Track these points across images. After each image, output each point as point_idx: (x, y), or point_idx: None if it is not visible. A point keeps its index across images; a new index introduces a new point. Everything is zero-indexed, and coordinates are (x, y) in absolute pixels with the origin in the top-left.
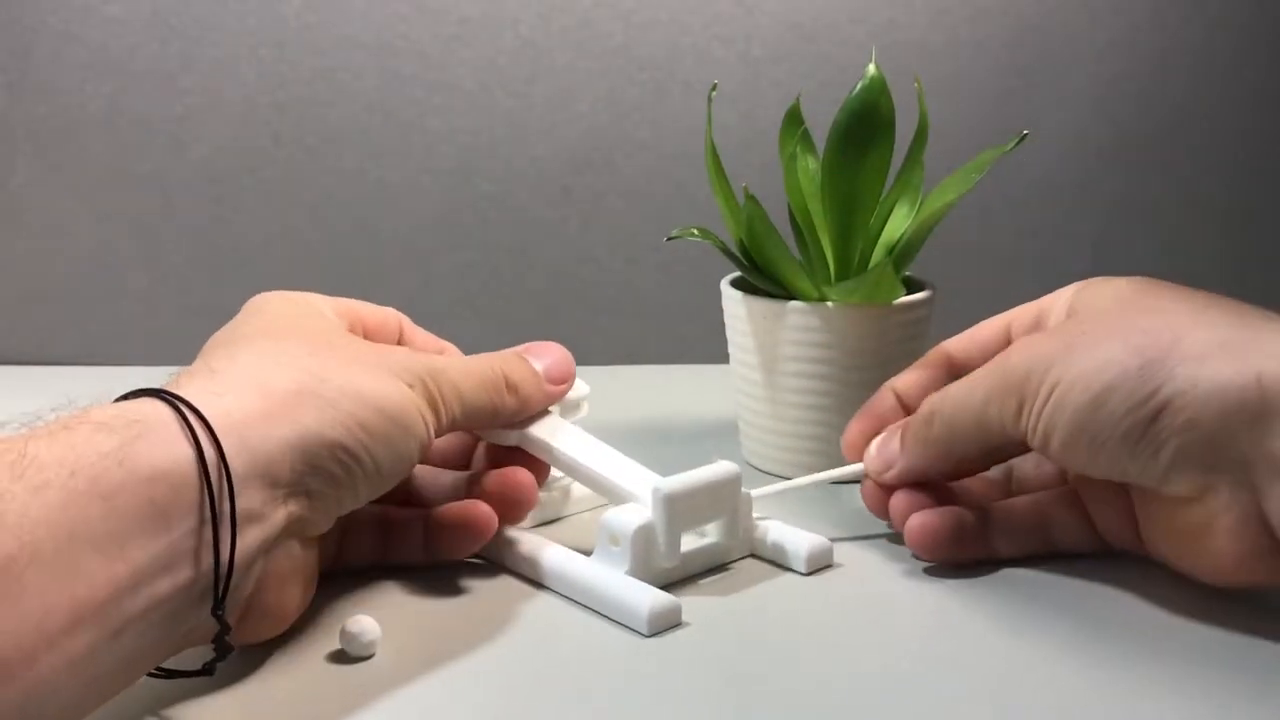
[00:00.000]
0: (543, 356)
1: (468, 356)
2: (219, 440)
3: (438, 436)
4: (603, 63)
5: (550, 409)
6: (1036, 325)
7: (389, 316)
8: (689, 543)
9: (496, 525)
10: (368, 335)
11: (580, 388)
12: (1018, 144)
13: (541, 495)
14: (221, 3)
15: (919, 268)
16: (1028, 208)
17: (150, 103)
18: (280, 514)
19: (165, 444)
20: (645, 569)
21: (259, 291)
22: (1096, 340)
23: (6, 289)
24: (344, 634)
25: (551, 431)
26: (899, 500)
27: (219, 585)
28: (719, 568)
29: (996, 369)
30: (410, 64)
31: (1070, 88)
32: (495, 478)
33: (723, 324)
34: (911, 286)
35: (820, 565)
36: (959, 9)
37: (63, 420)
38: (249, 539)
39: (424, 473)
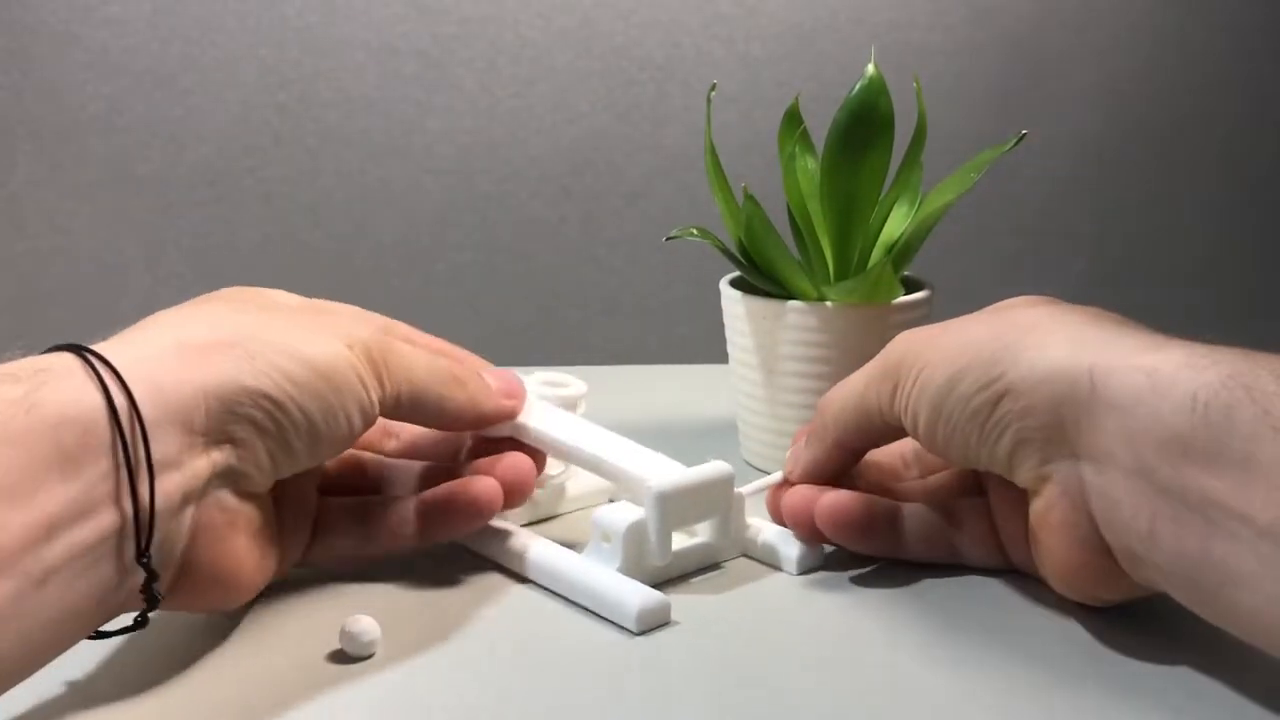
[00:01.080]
0: (491, 373)
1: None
2: (128, 386)
3: (384, 409)
4: (603, 63)
5: (543, 401)
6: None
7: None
8: (681, 541)
9: (501, 502)
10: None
11: (577, 386)
12: (1016, 144)
13: (536, 493)
14: (222, 4)
15: (918, 267)
16: (1026, 207)
17: (151, 103)
18: (202, 462)
19: (73, 390)
20: (636, 567)
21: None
22: (962, 328)
23: (6, 288)
24: (344, 634)
25: (544, 418)
26: (793, 493)
27: (140, 532)
28: (711, 567)
29: (878, 357)
30: (410, 64)
31: (1069, 88)
32: (493, 461)
33: (722, 324)
34: (910, 286)
35: (811, 566)
36: (958, 10)
37: None
38: (168, 485)
39: (402, 464)
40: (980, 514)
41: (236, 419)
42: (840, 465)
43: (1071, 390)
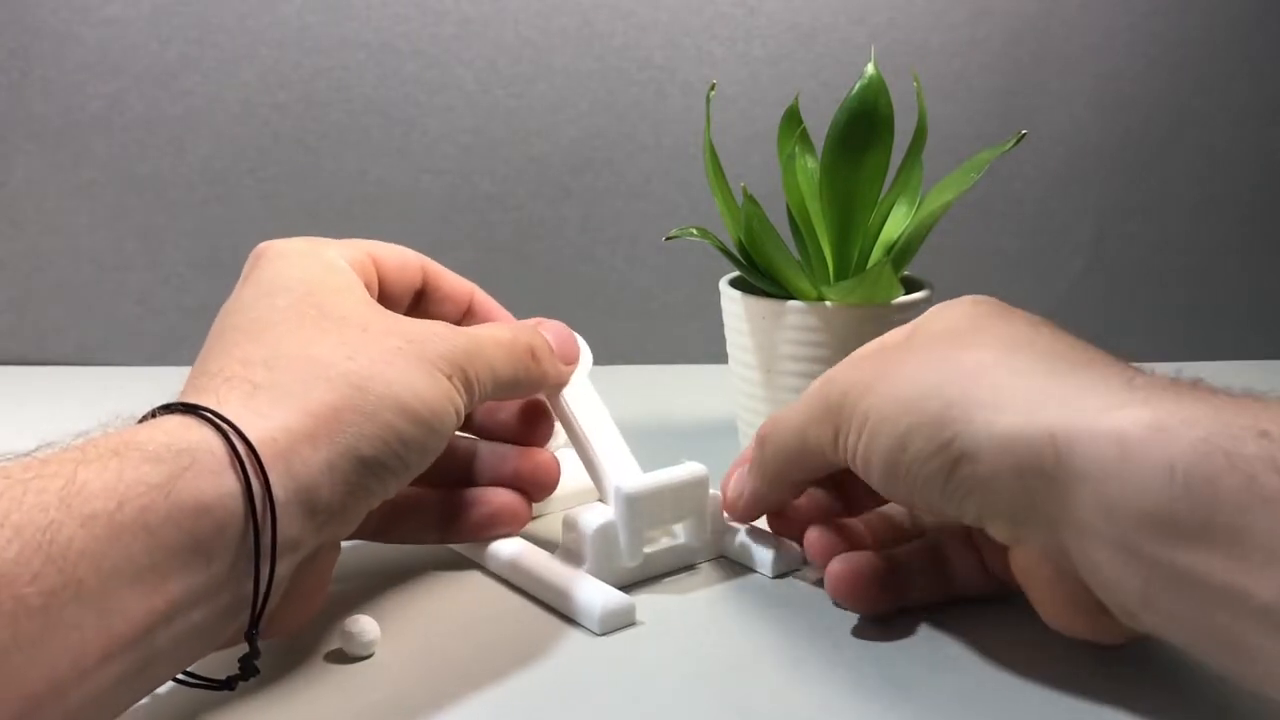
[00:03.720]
0: (551, 335)
1: (489, 326)
2: (265, 471)
3: (468, 410)
4: (602, 63)
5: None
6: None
7: (408, 261)
8: (655, 543)
9: (529, 516)
10: (386, 282)
11: (585, 360)
12: (1016, 143)
13: None
14: (222, 3)
15: (917, 267)
16: (1026, 207)
17: (150, 103)
18: (314, 536)
19: (213, 476)
20: (606, 569)
21: None
22: (906, 373)
23: (6, 288)
24: (343, 634)
25: (574, 401)
26: (815, 537)
27: (255, 615)
28: (687, 568)
29: (819, 391)
30: (410, 64)
31: (1069, 88)
32: (524, 459)
33: (721, 324)
34: (910, 286)
35: (788, 569)
36: (958, 9)
37: (112, 444)
38: (283, 566)
39: (464, 445)
40: (968, 549)
41: (352, 490)
42: (785, 498)
43: (1035, 459)
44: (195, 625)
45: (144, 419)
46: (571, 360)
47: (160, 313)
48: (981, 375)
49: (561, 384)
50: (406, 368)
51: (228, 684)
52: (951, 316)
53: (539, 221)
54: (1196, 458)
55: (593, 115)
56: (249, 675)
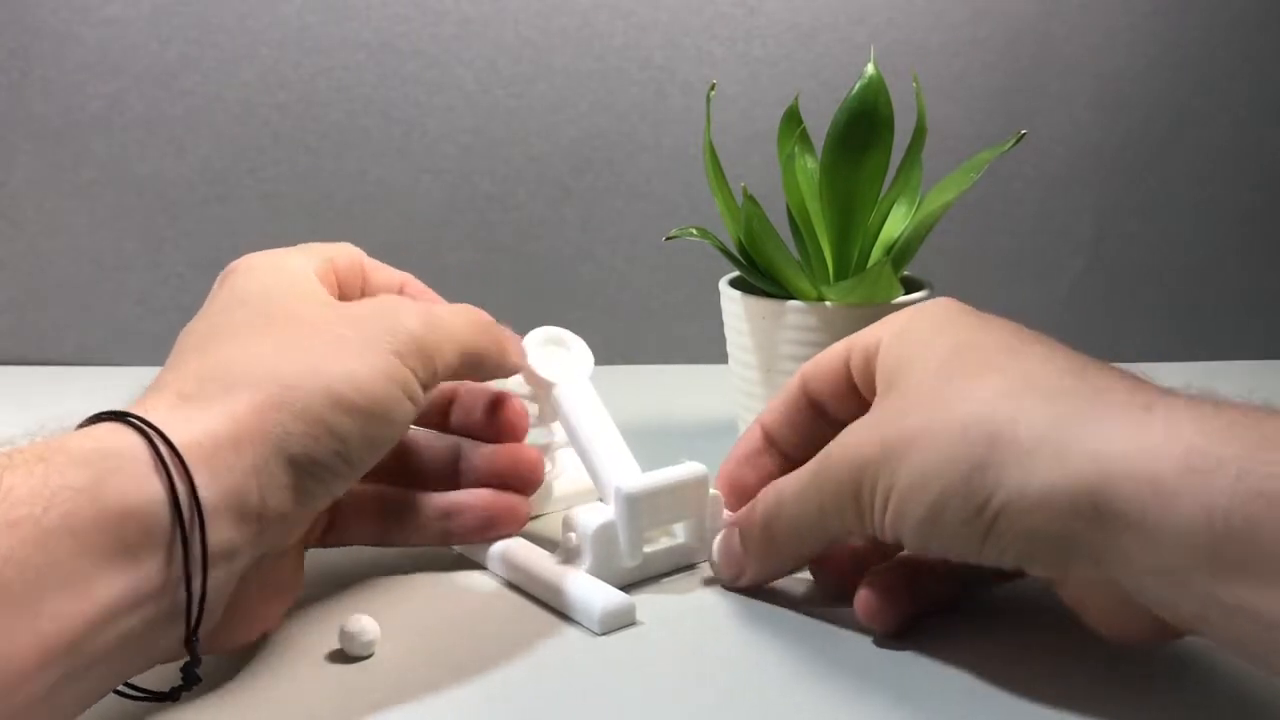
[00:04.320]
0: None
1: (443, 304)
2: (191, 474)
3: (429, 391)
4: (603, 63)
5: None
6: (867, 364)
7: (353, 256)
8: (654, 543)
9: (528, 515)
10: (341, 280)
11: (579, 347)
12: (1015, 143)
13: None
14: (222, 3)
15: (917, 267)
16: (1025, 207)
17: (150, 103)
18: (251, 542)
19: (138, 480)
20: (606, 568)
21: None
22: (915, 441)
23: (6, 289)
24: (343, 633)
25: (574, 401)
26: (870, 607)
27: (191, 621)
28: (687, 568)
29: (826, 478)
30: (410, 64)
31: (1068, 88)
32: (507, 457)
33: (721, 324)
34: (910, 286)
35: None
36: (958, 9)
37: (39, 450)
38: (219, 572)
39: (418, 444)
40: None
41: (284, 489)
42: (800, 567)
43: (1073, 511)
44: (131, 632)
45: (78, 428)
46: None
47: (160, 313)
48: (1001, 426)
49: (517, 369)
50: (344, 357)
51: (171, 695)
52: (924, 350)
53: (539, 221)
54: (1235, 501)
55: (593, 115)
56: (191, 684)
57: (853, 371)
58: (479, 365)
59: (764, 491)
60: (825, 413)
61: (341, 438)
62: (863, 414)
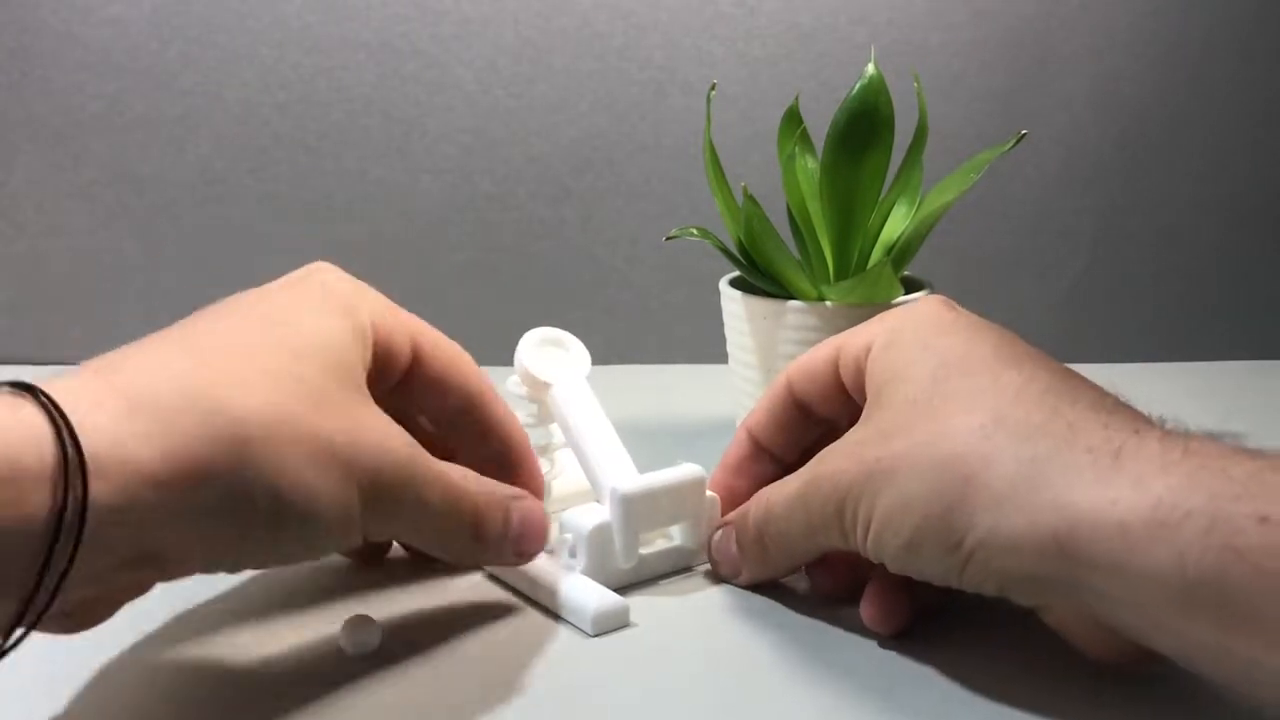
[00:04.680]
0: (520, 519)
1: (460, 474)
2: (88, 488)
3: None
4: (603, 63)
5: (582, 378)
6: (857, 369)
7: (468, 381)
8: (653, 545)
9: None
10: (384, 353)
11: (578, 350)
12: (1016, 144)
13: None
14: (222, 3)
15: (917, 267)
16: (1026, 207)
17: (151, 103)
18: (110, 576)
19: (23, 495)
20: (601, 570)
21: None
22: (895, 472)
23: (6, 288)
24: (345, 632)
25: (570, 402)
26: (874, 613)
27: (19, 628)
28: (684, 570)
29: (811, 497)
30: (411, 64)
31: (1069, 88)
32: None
33: (721, 323)
34: (910, 286)
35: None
36: (958, 9)
37: None
38: (70, 595)
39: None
40: None
41: (175, 549)
42: (796, 569)
43: (1042, 556)
44: None
45: None
46: (528, 554)
47: (161, 312)
48: (974, 472)
49: (504, 565)
50: (314, 470)
51: None
52: (909, 372)
53: (539, 221)
54: (1203, 552)
55: (593, 115)
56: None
57: (842, 375)
58: (437, 551)
59: (756, 498)
60: (812, 413)
61: (258, 543)
62: (851, 414)
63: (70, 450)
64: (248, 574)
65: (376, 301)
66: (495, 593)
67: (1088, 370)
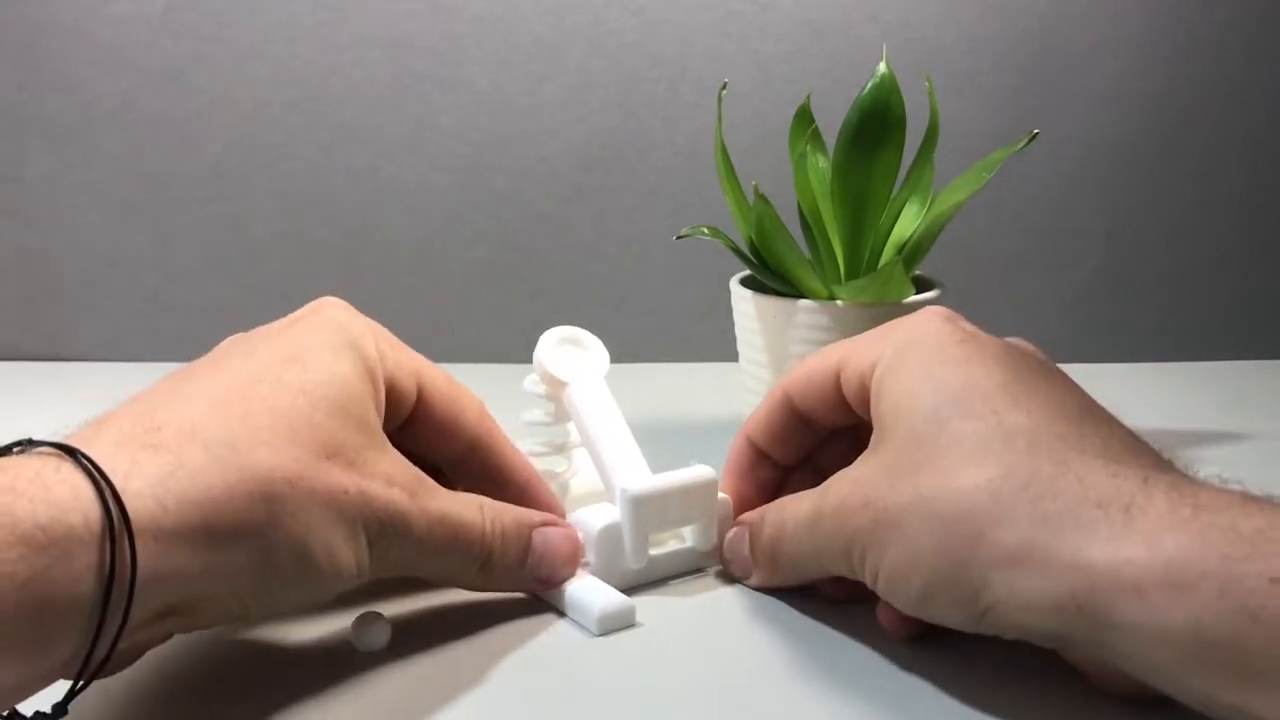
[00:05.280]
0: (545, 546)
1: (469, 507)
2: (135, 556)
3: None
4: (614, 61)
5: (602, 378)
6: (861, 387)
7: (457, 400)
8: (664, 546)
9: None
10: (426, 402)
11: (596, 349)
12: (1028, 143)
13: None
14: (233, 0)
15: (929, 266)
16: (1038, 206)
17: (162, 100)
18: (136, 630)
19: (77, 570)
20: (610, 570)
21: (270, 289)
22: (901, 524)
23: (18, 285)
24: (354, 629)
25: (586, 401)
26: (893, 626)
27: (76, 687)
28: (695, 571)
29: (819, 531)
30: (422, 62)
31: (1081, 87)
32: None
33: (732, 322)
34: (921, 285)
35: None
36: (970, 8)
37: None
38: (119, 649)
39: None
40: None
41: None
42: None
43: (1059, 614)
44: (14, 700)
45: (15, 448)
46: (550, 581)
47: (171, 310)
48: (984, 532)
49: (527, 591)
50: (330, 523)
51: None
52: (911, 403)
53: (550, 219)
54: (1218, 616)
55: (604, 113)
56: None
57: (845, 391)
58: (443, 584)
59: (772, 507)
60: (814, 423)
61: (283, 595)
62: (854, 422)
63: (115, 514)
64: None
65: (383, 339)
66: (504, 592)
67: (1098, 370)
